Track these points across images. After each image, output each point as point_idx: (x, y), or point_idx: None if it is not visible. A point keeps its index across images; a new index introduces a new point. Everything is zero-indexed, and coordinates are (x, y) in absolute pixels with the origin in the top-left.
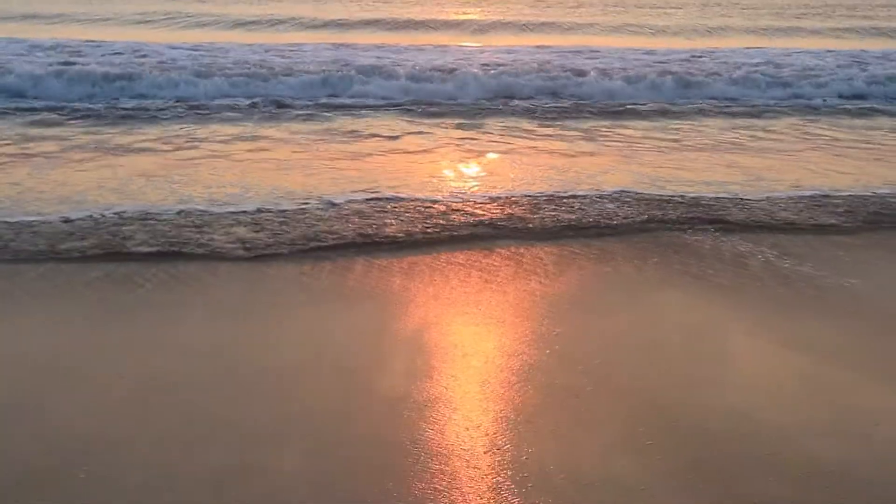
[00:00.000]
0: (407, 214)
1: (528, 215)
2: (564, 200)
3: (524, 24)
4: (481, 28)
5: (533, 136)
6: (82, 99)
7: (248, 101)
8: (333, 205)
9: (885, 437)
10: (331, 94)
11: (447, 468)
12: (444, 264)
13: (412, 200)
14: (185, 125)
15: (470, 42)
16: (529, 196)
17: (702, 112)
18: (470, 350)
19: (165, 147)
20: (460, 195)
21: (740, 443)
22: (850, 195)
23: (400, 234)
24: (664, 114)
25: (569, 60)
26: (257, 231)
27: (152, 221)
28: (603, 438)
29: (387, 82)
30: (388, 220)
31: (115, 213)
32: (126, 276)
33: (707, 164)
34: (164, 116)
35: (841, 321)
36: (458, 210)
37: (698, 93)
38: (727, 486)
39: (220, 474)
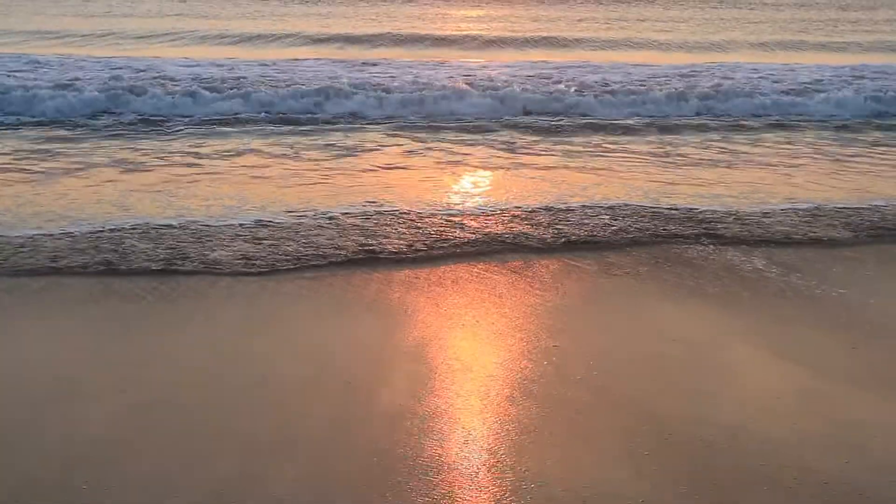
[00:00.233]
0: (406, 228)
1: (527, 229)
2: (562, 213)
3: (526, 40)
4: (482, 44)
5: (529, 151)
6: (83, 115)
7: (245, 115)
8: (332, 218)
9: (879, 448)
10: (333, 109)
11: (447, 481)
12: (443, 278)
13: (411, 214)
14: (184, 139)
15: (469, 57)
16: (527, 209)
17: (698, 126)
18: (470, 364)
19: (164, 161)
20: (459, 209)
21: (737, 455)
22: (845, 207)
23: (399, 248)
24: (660, 129)
25: (567, 75)
26: (257, 245)
27: (153, 235)
28: (602, 452)
29: (387, 96)
30: (388, 234)
31: (115, 227)
32: (126, 290)
33: (702, 176)
34: (165, 130)
35: (838, 333)
36: (456, 224)
37: (696, 107)
38: (724, 498)
39: (220, 486)
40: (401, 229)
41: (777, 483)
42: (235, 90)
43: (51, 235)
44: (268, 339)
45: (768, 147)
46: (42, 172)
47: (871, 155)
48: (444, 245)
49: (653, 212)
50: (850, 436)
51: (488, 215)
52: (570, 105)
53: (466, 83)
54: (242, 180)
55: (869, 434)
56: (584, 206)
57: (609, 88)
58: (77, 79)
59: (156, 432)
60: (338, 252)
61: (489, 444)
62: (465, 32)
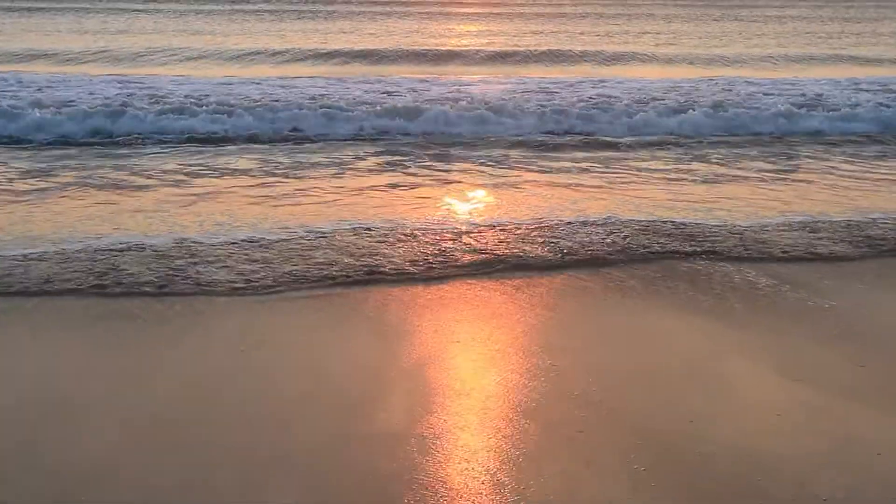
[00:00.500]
0: (403, 245)
1: (526, 246)
2: (559, 229)
3: (524, 54)
4: (481, 59)
5: (526, 167)
6: (74, 134)
7: (233, 133)
8: (327, 236)
9: (882, 466)
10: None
11: (446, 501)
12: (441, 296)
13: (408, 231)
14: (177, 158)
15: (464, 72)
16: (525, 226)
17: (693, 143)
18: (469, 382)
19: (155, 181)
20: (455, 226)
21: (737, 471)
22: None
23: (397, 266)
24: (653, 145)
25: (564, 90)
26: (253, 263)
27: (147, 253)
28: (601, 469)
29: (376, 113)
30: (385, 252)
31: (109, 245)
32: (121, 310)
33: (697, 192)
34: (153, 150)
35: (841, 348)
36: (454, 241)
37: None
38: None
39: None
40: (398, 247)
41: (776, 500)
42: (227, 106)
43: (44, 254)
44: (264, 359)
45: (749, 161)
46: (35, 191)
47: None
48: (442, 263)
49: (650, 227)
50: (851, 453)
51: (485, 232)
52: (567, 121)
53: (460, 99)
54: (235, 198)
55: (872, 451)
56: (581, 221)
57: (600, 104)
58: (71, 100)
59: (152, 451)
60: (335, 270)
61: (489, 464)
62: (465, 48)
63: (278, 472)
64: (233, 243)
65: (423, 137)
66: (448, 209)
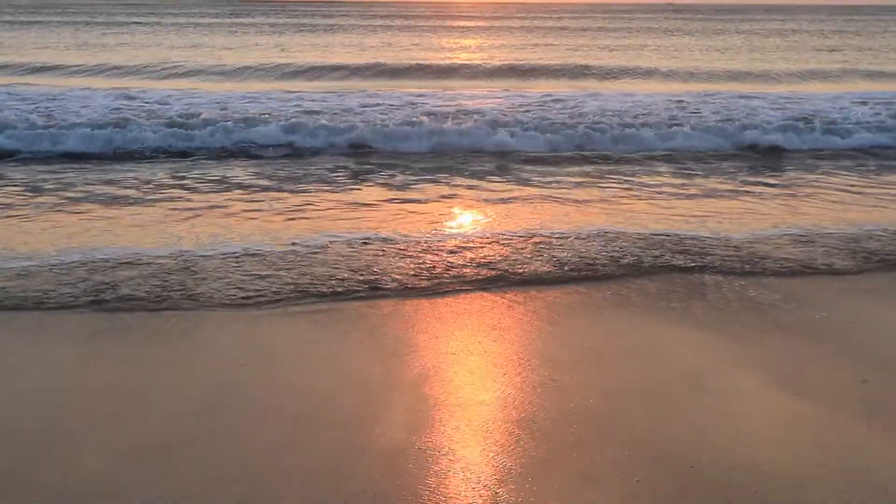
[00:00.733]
0: (402, 260)
1: (526, 259)
2: (559, 243)
3: (521, 68)
4: (481, 73)
5: (521, 181)
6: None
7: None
8: (325, 250)
9: (883, 481)
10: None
11: None
12: (442, 310)
13: (408, 245)
14: (168, 172)
15: (461, 86)
16: (524, 239)
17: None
18: (469, 398)
19: (151, 194)
20: (453, 240)
21: (739, 488)
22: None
23: (398, 280)
24: (650, 159)
25: (562, 104)
26: (250, 277)
27: (144, 267)
28: (602, 485)
29: (384, 128)
30: (385, 266)
31: (106, 259)
32: (118, 324)
33: (691, 205)
34: (145, 163)
35: (846, 364)
36: (452, 255)
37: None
38: None
39: None
40: (396, 261)
41: None
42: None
43: (40, 267)
44: (264, 373)
45: (729, 177)
46: (32, 205)
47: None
48: (441, 277)
49: (648, 240)
50: (850, 467)
51: (483, 246)
52: (565, 134)
53: (454, 114)
54: (232, 212)
55: (870, 466)
56: (578, 234)
57: (595, 119)
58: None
59: (150, 468)
60: (334, 284)
61: (491, 483)
62: (467, 62)
63: (277, 486)
64: (230, 255)
65: (415, 153)
66: (445, 223)
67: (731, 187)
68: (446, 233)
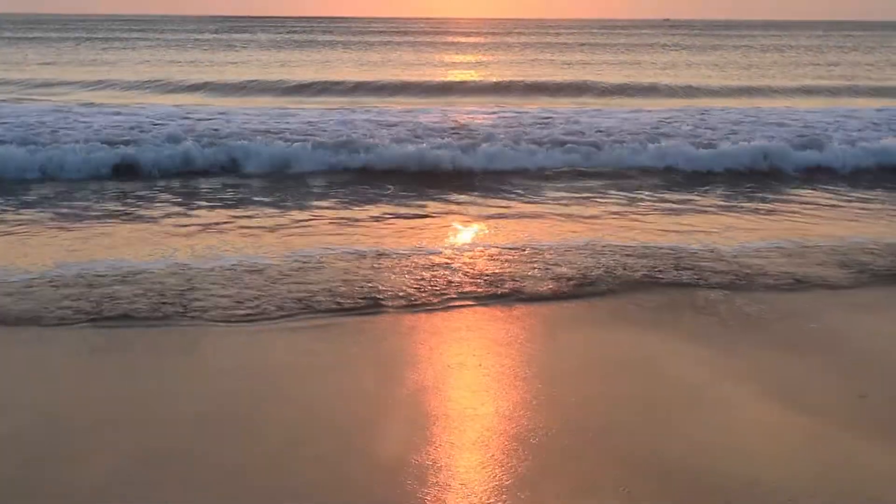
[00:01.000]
0: (400, 274)
1: (525, 274)
2: (554, 257)
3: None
4: (476, 90)
5: (517, 197)
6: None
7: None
8: (323, 264)
9: (879, 494)
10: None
11: None
12: (441, 325)
13: (404, 260)
14: (167, 191)
15: (457, 102)
16: (523, 254)
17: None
18: (468, 413)
19: (150, 212)
20: (450, 255)
21: (734, 499)
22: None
23: (393, 294)
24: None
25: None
26: (248, 291)
27: (142, 281)
28: (600, 499)
29: (384, 146)
30: (381, 280)
31: (103, 274)
32: (116, 339)
33: (687, 221)
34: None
35: (843, 379)
36: (450, 269)
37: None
38: None
39: None
40: (394, 275)
41: None
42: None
43: (38, 283)
44: (262, 387)
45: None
46: (26, 224)
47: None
48: (440, 291)
49: (644, 255)
50: (850, 483)
51: (481, 261)
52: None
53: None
54: (230, 227)
55: (867, 479)
56: (575, 249)
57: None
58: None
59: (149, 477)
60: (331, 298)
61: (488, 498)
62: (467, 79)
63: (275, 498)
64: (229, 270)
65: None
66: (444, 238)
67: (723, 203)
68: (440, 247)
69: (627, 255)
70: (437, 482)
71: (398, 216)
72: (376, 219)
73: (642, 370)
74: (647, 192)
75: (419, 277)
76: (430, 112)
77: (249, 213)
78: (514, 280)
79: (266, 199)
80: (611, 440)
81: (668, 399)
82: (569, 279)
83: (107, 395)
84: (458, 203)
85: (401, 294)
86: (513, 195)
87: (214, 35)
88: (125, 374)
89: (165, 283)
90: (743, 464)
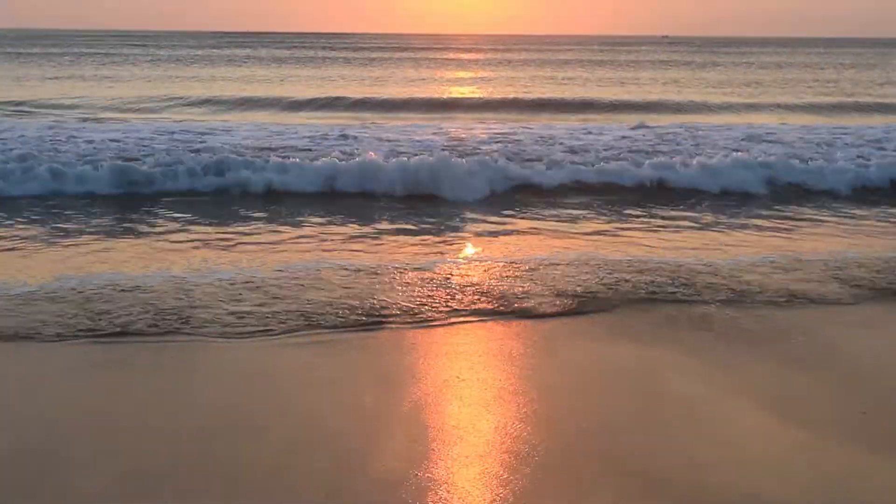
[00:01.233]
0: (400, 290)
1: (525, 291)
2: (553, 273)
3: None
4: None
5: (515, 214)
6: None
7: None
8: (323, 279)
9: None
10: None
11: None
12: (439, 342)
13: (404, 275)
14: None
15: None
16: (522, 270)
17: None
18: (468, 429)
19: (149, 229)
20: (451, 270)
21: None
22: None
23: (393, 310)
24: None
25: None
26: (248, 306)
27: (141, 295)
28: None
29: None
30: (381, 296)
31: (102, 288)
32: (114, 354)
33: (684, 238)
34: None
35: (844, 395)
36: (450, 285)
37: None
38: None
39: None
40: (394, 291)
41: None
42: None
43: (34, 297)
44: (261, 403)
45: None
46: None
47: None
48: (438, 307)
49: (644, 271)
50: (848, 499)
51: (480, 276)
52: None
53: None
54: (231, 244)
55: (869, 495)
56: (574, 265)
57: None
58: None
59: (148, 491)
60: (331, 314)
61: None
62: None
63: None
64: (229, 284)
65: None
66: (442, 254)
67: (718, 219)
68: (443, 263)
69: (624, 271)
70: (436, 497)
71: (397, 232)
72: (374, 235)
73: (641, 385)
74: (642, 209)
75: (418, 292)
76: (424, 128)
77: (249, 229)
78: (512, 296)
79: (263, 216)
80: (609, 455)
81: (667, 414)
82: (567, 294)
83: (102, 411)
84: (456, 219)
85: (400, 309)
86: (511, 211)
87: (215, 50)
88: (117, 392)
89: (164, 298)
90: (741, 478)
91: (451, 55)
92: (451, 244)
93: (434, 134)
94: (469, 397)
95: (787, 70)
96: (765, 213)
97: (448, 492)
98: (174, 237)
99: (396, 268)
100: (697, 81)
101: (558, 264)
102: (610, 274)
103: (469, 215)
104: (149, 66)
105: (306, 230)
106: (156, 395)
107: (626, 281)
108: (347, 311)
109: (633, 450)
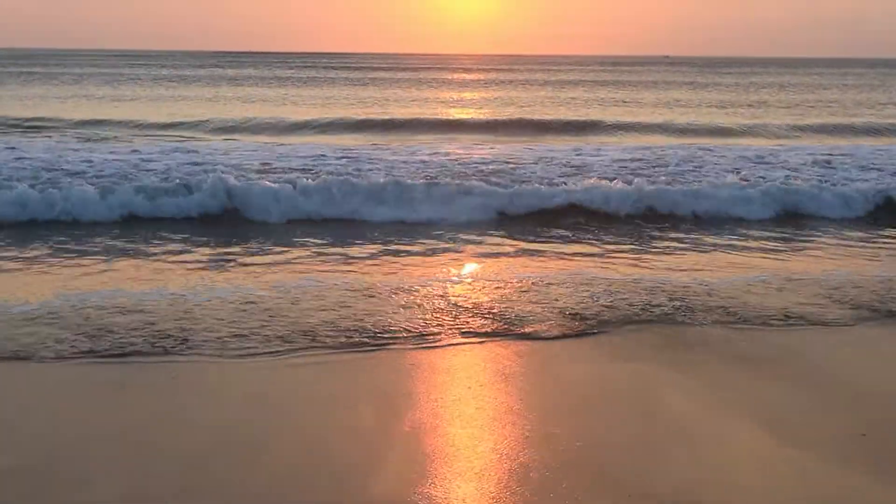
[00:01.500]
0: (401, 311)
1: (525, 312)
2: (549, 293)
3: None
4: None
5: (513, 236)
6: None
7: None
8: (323, 299)
9: None
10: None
11: None
12: (438, 362)
13: (404, 297)
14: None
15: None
16: (521, 292)
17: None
18: (467, 450)
19: (147, 247)
20: (450, 292)
21: None
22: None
23: (392, 331)
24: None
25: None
26: (245, 325)
27: (140, 314)
28: None
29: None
30: (381, 317)
31: (101, 307)
32: (114, 374)
33: (684, 260)
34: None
35: (840, 415)
36: (450, 306)
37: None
38: None
39: None
40: (394, 312)
41: None
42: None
43: (33, 318)
44: (259, 424)
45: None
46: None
47: None
48: (438, 328)
49: (643, 292)
50: None
51: (481, 298)
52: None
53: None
54: (230, 265)
55: None
56: (572, 286)
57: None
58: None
59: None
60: (330, 335)
61: None
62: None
63: None
64: (227, 302)
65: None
66: (437, 275)
67: (718, 241)
68: (443, 284)
69: (621, 291)
70: None
71: (395, 253)
72: (371, 256)
73: (638, 406)
74: (638, 230)
75: (421, 314)
76: (421, 150)
77: (249, 248)
78: (511, 317)
79: (265, 238)
80: (607, 475)
81: (663, 434)
82: (565, 315)
83: (101, 431)
84: (455, 240)
85: (401, 331)
86: (509, 232)
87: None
88: (116, 412)
89: (164, 318)
90: (738, 499)
91: (454, 75)
92: (448, 264)
93: (432, 155)
94: (467, 417)
95: (789, 90)
96: (762, 233)
97: None
98: (176, 258)
99: (393, 287)
100: (699, 101)
101: (555, 285)
102: (606, 294)
103: (466, 236)
104: (150, 85)
105: (303, 251)
106: (155, 415)
107: (622, 301)
108: (346, 332)
109: (630, 470)
